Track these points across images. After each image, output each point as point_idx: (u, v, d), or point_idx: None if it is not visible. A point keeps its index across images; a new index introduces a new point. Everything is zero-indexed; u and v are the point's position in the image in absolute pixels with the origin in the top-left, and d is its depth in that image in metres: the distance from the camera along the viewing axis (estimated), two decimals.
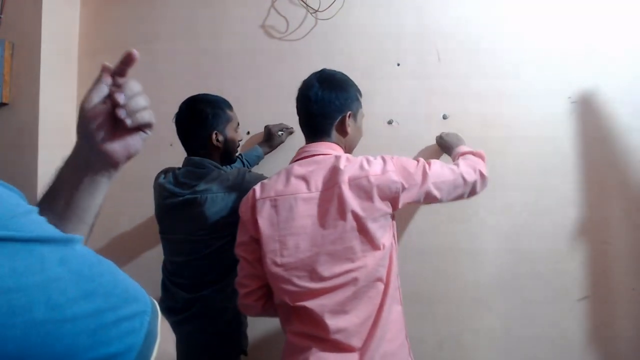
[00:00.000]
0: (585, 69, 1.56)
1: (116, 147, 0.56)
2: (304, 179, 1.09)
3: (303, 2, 1.66)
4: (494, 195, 1.58)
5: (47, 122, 1.66)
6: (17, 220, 0.35)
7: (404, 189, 1.06)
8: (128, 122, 0.54)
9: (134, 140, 0.57)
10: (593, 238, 1.55)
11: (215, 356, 1.34)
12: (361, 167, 1.06)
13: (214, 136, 1.35)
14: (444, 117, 1.61)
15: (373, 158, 1.09)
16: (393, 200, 1.06)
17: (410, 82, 1.63)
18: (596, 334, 1.55)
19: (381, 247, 1.05)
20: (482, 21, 1.61)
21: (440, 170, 1.12)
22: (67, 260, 0.36)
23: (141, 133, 0.57)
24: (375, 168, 1.06)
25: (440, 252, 1.60)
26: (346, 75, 1.21)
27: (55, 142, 1.68)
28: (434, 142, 1.60)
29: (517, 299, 1.58)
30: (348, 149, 1.22)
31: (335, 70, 1.21)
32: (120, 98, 0.53)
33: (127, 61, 0.55)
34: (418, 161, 1.12)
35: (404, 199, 1.06)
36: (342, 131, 1.16)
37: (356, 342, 1.03)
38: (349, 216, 1.03)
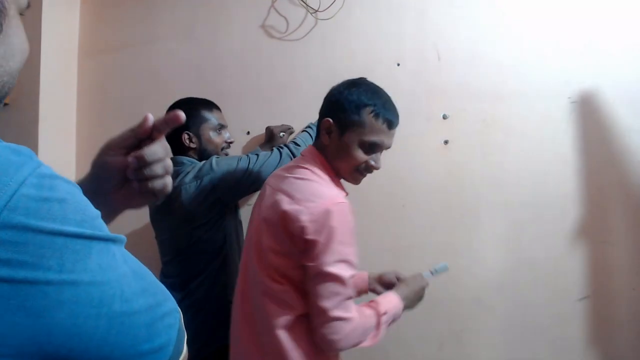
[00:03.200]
0: (585, 69, 1.56)
1: (118, 196, 0.54)
2: None
3: (303, 2, 1.66)
4: (493, 195, 1.58)
5: (47, 122, 1.66)
6: (98, 221, 0.38)
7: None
8: (135, 186, 0.52)
9: (138, 200, 0.55)
10: (593, 238, 1.55)
11: (206, 346, 1.35)
12: None
13: (185, 137, 1.39)
14: (444, 117, 1.61)
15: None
16: None
17: (410, 82, 1.62)
18: (596, 334, 1.55)
19: None
20: (482, 21, 1.61)
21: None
22: (127, 259, 0.40)
23: (150, 196, 0.54)
24: None
25: (440, 252, 1.60)
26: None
27: (55, 142, 1.68)
28: (434, 142, 1.61)
29: (517, 299, 1.58)
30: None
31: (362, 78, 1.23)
32: (133, 163, 0.51)
33: (171, 121, 0.52)
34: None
35: None
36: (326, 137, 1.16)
37: None
38: None
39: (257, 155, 1.39)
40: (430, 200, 1.61)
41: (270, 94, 1.68)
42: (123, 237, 0.41)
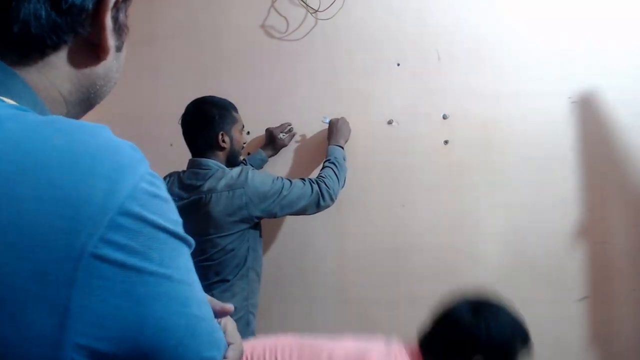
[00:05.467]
0: (585, 69, 1.56)
1: None
2: None
3: (303, 2, 1.66)
4: (494, 195, 1.58)
5: None
6: (182, 226, 0.39)
7: None
8: None
9: None
10: (593, 238, 1.55)
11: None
12: None
13: (220, 137, 1.37)
14: (444, 117, 1.61)
15: None
16: None
17: (410, 82, 1.62)
18: (596, 334, 1.55)
19: None
20: (482, 21, 1.61)
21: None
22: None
23: None
24: None
25: (440, 252, 1.60)
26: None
27: None
28: (434, 142, 1.61)
29: (517, 299, 1.57)
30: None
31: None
32: None
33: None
34: None
35: None
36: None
37: None
38: None
39: (291, 182, 1.38)
40: (430, 200, 1.61)
41: (270, 94, 1.68)
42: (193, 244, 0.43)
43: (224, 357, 0.48)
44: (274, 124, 1.64)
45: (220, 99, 1.43)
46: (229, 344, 0.50)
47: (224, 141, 1.38)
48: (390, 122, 1.63)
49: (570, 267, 1.55)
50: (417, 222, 1.61)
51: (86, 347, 0.30)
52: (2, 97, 0.35)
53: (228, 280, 1.35)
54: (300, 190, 1.37)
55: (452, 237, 1.60)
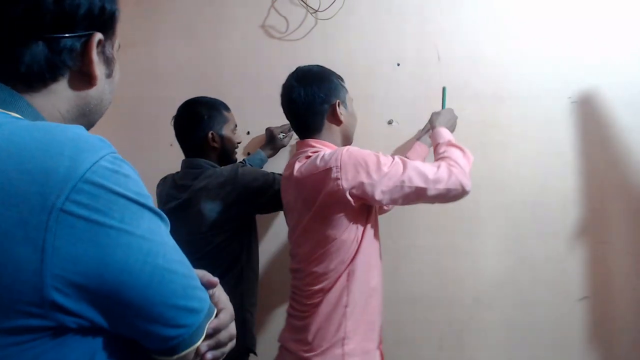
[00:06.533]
0: (585, 69, 1.56)
1: None
2: None
3: (303, 2, 1.66)
4: (494, 195, 1.58)
5: None
6: (150, 199, 0.49)
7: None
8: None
9: None
10: (593, 238, 1.55)
11: None
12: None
13: (210, 136, 1.38)
14: None
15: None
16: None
17: (410, 82, 1.62)
18: (596, 334, 1.55)
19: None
20: (482, 21, 1.61)
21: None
22: (170, 237, 0.52)
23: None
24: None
25: (440, 252, 1.60)
26: (322, 67, 1.22)
27: None
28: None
29: (517, 299, 1.58)
30: (346, 137, 1.23)
31: (310, 65, 1.22)
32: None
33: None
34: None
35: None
36: (336, 120, 1.18)
37: None
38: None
39: (281, 175, 1.36)
40: None
41: (270, 94, 1.67)
42: (167, 220, 0.53)
43: (215, 316, 0.57)
44: (274, 124, 1.63)
45: (211, 99, 1.44)
46: (220, 310, 0.59)
47: (214, 141, 1.39)
48: (390, 122, 1.63)
49: (570, 267, 1.55)
50: (417, 222, 1.61)
51: (60, 276, 0.41)
52: (9, 112, 0.48)
53: (222, 277, 1.34)
54: None
55: (452, 237, 1.60)
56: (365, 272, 1.11)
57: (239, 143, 1.52)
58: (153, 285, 0.47)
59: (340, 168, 1.04)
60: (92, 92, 0.56)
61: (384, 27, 1.64)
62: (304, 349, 1.09)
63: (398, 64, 1.63)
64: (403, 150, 1.59)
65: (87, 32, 0.52)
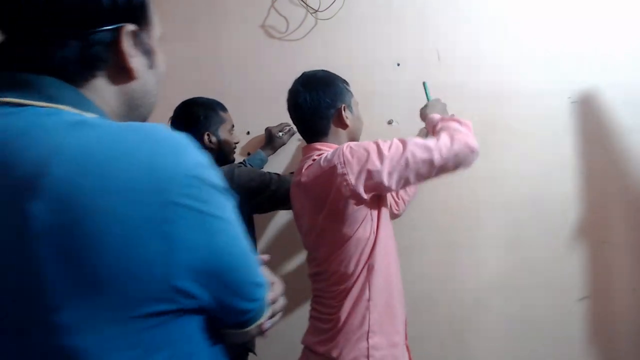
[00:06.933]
0: (585, 69, 1.56)
1: None
2: None
3: (303, 2, 1.66)
4: (493, 195, 1.58)
5: None
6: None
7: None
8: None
9: None
10: (593, 238, 1.55)
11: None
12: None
13: (206, 137, 1.38)
14: None
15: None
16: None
17: (410, 82, 1.62)
18: (596, 334, 1.55)
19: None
20: (482, 21, 1.61)
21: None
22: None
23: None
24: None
25: (441, 252, 1.60)
26: (327, 71, 1.23)
27: None
28: None
29: (517, 299, 1.58)
30: (352, 140, 1.23)
31: (315, 70, 1.22)
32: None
33: None
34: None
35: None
36: (342, 124, 1.19)
37: None
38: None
39: (279, 177, 1.37)
40: (430, 200, 1.61)
41: (270, 94, 1.68)
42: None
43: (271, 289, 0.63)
44: (274, 123, 1.63)
45: (207, 99, 1.44)
46: (272, 283, 0.65)
47: (210, 141, 1.39)
48: (390, 122, 1.64)
49: (570, 267, 1.55)
50: (417, 221, 1.61)
51: (184, 263, 0.46)
52: (60, 106, 0.48)
53: None
54: (285, 183, 1.36)
55: (452, 237, 1.60)
56: (385, 266, 1.12)
57: (237, 143, 1.52)
58: (243, 265, 0.54)
59: (345, 163, 1.04)
60: (135, 85, 0.55)
61: (384, 27, 1.64)
62: (331, 349, 1.09)
63: (398, 64, 1.63)
64: None
65: (115, 25, 0.51)
